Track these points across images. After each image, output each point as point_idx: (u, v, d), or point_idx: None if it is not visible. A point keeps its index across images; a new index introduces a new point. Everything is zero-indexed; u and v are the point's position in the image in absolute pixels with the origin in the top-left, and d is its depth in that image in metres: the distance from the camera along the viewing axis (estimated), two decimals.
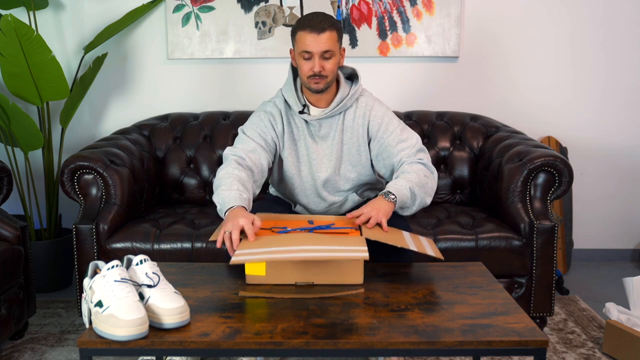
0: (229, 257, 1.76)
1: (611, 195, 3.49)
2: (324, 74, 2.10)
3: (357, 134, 2.22)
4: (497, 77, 3.37)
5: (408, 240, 1.90)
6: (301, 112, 2.20)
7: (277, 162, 2.27)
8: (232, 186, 1.96)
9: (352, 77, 2.27)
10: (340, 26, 2.14)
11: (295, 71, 2.23)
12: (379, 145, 2.21)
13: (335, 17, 3.20)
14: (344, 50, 2.19)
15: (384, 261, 1.97)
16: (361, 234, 1.87)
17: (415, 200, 2.07)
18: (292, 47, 2.17)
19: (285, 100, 2.24)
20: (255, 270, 1.76)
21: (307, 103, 2.21)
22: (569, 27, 3.33)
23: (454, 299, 1.68)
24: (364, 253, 1.68)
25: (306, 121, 2.22)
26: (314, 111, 2.21)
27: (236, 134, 2.99)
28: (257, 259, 1.67)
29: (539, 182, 2.58)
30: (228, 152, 2.15)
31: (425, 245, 1.94)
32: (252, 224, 1.81)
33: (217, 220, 2.56)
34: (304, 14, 3.21)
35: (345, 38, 3.25)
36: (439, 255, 1.89)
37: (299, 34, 2.10)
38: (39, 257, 3.00)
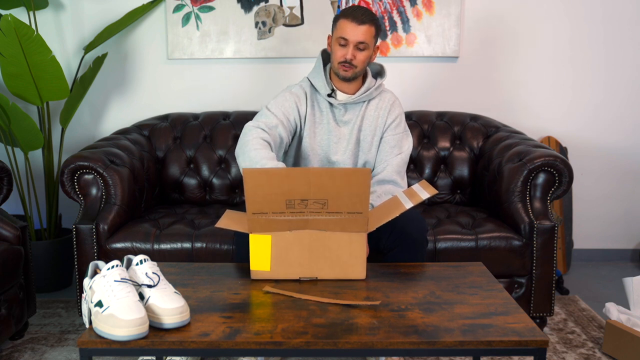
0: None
1: (611, 195, 3.49)
2: (354, 62, 2.22)
3: (375, 124, 2.33)
4: (497, 77, 3.37)
5: (404, 201, 1.91)
6: (329, 95, 2.29)
7: (295, 144, 2.34)
8: (261, 148, 2.08)
9: (379, 74, 2.38)
10: (380, 25, 2.26)
11: (325, 58, 2.35)
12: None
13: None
14: (377, 47, 2.30)
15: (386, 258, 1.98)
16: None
17: None
18: (330, 33, 2.29)
19: (312, 85, 2.33)
20: (259, 266, 1.80)
21: (335, 88, 2.31)
22: (569, 26, 3.33)
23: (454, 299, 1.68)
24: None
25: (331, 105, 2.32)
26: (340, 96, 2.31)
27: (237, 135, 3.00)
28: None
29: (539, 182, 2.58)
30: (250, 124, 2.21)
31: (419, 193, 1.92)
32: None
33: (217, 220, 2.56)
34: (305, 14, 3.23)
35: None
36: (433, 191, 1.87)
37: (340, 21, 2.22)
38: (39, 257, 3.00)
